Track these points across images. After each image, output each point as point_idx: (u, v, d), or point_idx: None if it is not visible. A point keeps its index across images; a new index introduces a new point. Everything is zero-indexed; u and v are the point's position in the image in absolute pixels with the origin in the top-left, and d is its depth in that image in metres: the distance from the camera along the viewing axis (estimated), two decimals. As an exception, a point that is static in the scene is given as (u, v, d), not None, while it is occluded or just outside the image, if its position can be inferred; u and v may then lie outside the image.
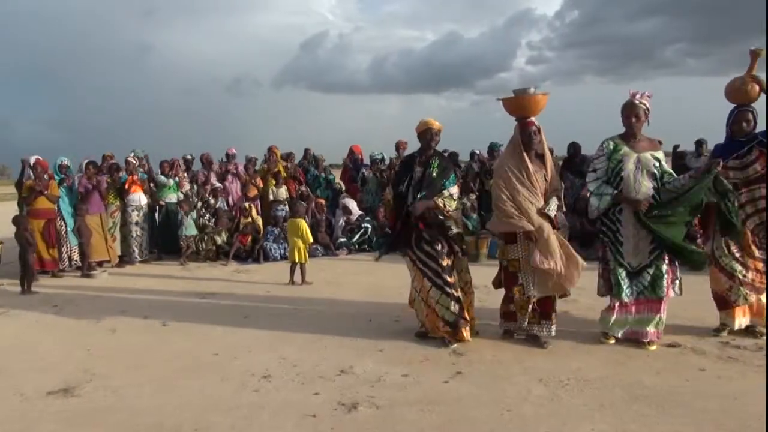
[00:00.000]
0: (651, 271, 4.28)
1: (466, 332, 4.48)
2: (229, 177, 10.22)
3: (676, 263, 4.36)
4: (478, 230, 8.72)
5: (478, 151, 10.36)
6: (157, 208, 9.46)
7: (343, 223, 9.71)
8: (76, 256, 8.28)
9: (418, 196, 4.53)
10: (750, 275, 4.37)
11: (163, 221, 9.45)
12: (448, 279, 4.50)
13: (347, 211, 9.71)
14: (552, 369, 3.91)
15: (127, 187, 8.82)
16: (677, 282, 4.35)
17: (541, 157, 4.45)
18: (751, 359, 3.98)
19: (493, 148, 9.92)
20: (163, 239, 9.44)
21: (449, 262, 4.55)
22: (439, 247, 4.52)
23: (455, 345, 4.45)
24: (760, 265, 4.38)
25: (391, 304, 5.75)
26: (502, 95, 4.52)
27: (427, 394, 3.58)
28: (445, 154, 5.63)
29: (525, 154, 4.37)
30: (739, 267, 4.37)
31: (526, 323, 4.49)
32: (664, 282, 4.27)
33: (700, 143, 8.99)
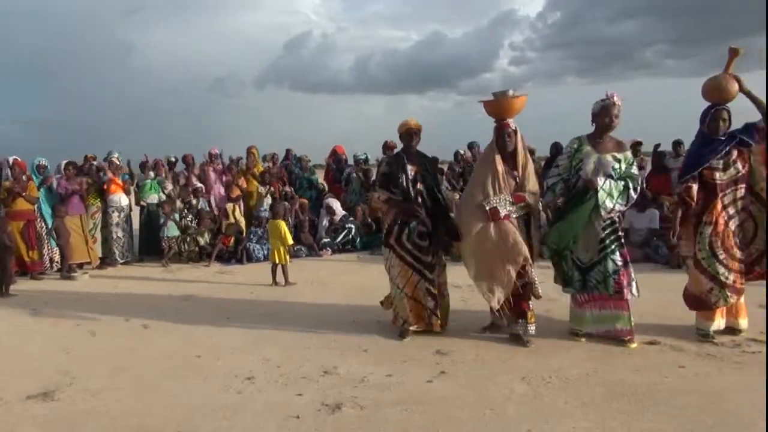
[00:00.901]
0: (601, 267, 4.37)
1: (435, 325, 4.73)
2: (213, 177, 10.13)
3: (630, 265, 4.43)
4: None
5: (462, 151, 10.42)
6: (139, 209, 9.37)
7: (327, 224, 9.69)
8: (57, 257, 8.17)
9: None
10: (731, 277, 4.35)
11: (145, 222, 9.36)
12: (430, 275, 4.72)
13: (331, 211, 9.69)
14: (534, 367, 3.95)
15: (106, 187, 8.72)
16: (633, 284, 4.41)
17: (514, 159, 4.52)
18: (729, 356, 4.05)
19: (471, 147, 10.14)
20: (145, 240, 9.35)
21: (433, 260, 4.74)
22: (427, 243, 4.70)
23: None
24: (738, 266, 4.38)
25: (374, 304, 5.73)
26: (484, 97, 4.62)
27: (411, 393, 3.59)
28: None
29: (497, 156, 4.47)
30: (722, 269, 4.33)
31: (509, 323, 4.53)
32: (613, 280, 4.34)
33: (677, 144, 9.10)
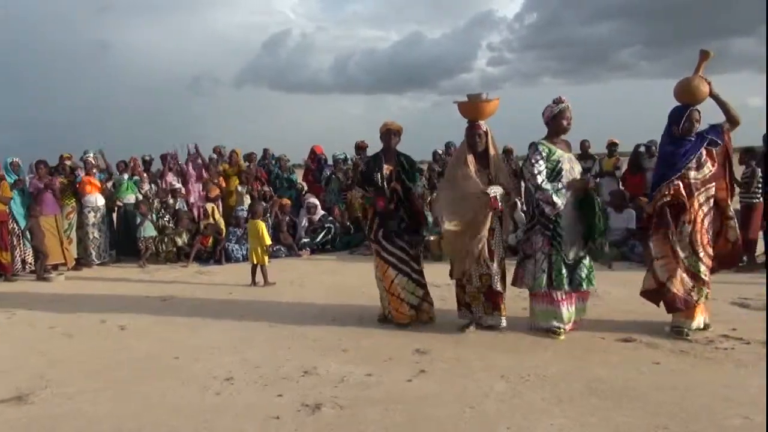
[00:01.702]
0: (586, 262, 4.61)
1: (430, 313, 5.02)
2: (193, 174, 9.99)
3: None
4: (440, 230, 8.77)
5: (440, 151, 10.47)
6: (116, 209, 9.25)
7: (306, 223, 9.67)
8: (30, 259, 8.03)
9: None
10: (708, 273, 4.47)
11: (122, 222, 9.24)
12: (416, 266, 5.01)
13: (312, 210, 9.65)
14: (513, 365, 3.98)
15: (80, 187, 8.59)
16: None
17: (486, 159, 4.70)
18: (702, 352, 4.13)
19: (448, 147, 10.20)
20: (123, 241, 9.23)
21: (417, 252, 5.05)
22: (406, 237, 4.97)
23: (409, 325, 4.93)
24: (710, 262, 4.49)
25: (354, 304, 5.75)
26: (461, 98, 4.77)
27: (391, 393, 3.60)
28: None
29: (469, 156, 4.67)
30: (703, 267, 4.42)
31: (482, 314, 4.77)
32: (593, 275, 4.64)
33: (649, 146, 9.21)
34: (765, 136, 7.16)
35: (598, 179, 9.34)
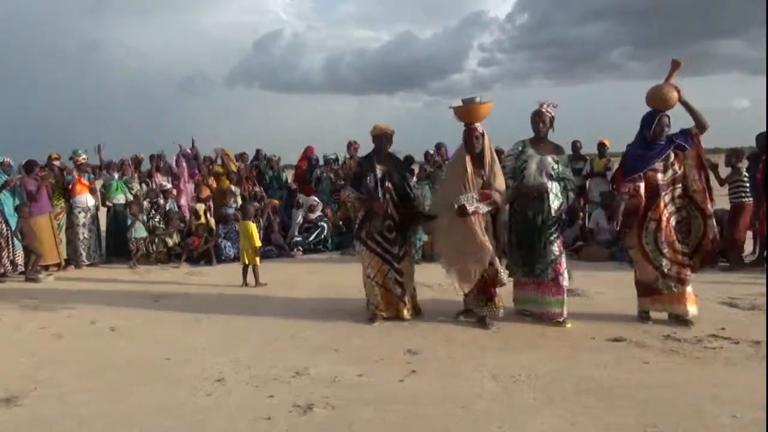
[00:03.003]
0: (545, 258, 4.87)
1: (403, 311, 5.16)
2: (184, 173, 9.93)
3: (564, 256, 4.94)
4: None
5: (432, 152, 10.47)
6: (106, 210, 9.19)
7: (301, 220, 9.63)
8: (20, 260, 7.95)
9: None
10: (674, 269, 4.73)
11: (112, 223, 9.17)
12: (397, 266, 5.16)
13: (312, 209, 9.62)
14: (504, 365, 4.00)
15: (70, 187, 8.54)
16: (566, 272, 4.92)
17: (482, 159, 4.84)
18: (691, 352, 4.16)
19: (438, 147, 10.21)
20: (112, 242, 9.16)
21: (400, 252, 5.19)
22: (393, 235, 5.14)
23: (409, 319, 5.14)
24: (681, 258, 4.74)
25: (345, 304, 5.75)
26: (454, 100, 4.99)
27: (382, 393, 3.61)
28: (401, 158, 6.08)
29: (467, 156, 4.82)
30: (665, 261, 4.73)
31: (478, 305, 4.94)
32: (551, 269, 4.86)
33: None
34: (758, 136, 7.22)
35: (588, 180, 9.40)
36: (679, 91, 4.64)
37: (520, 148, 4.98)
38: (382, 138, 5.25)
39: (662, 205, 4.72)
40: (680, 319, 4.75)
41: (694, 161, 4.74)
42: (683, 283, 4.73)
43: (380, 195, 5.11)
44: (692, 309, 4.76)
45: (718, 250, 5.46)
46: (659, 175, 4.70)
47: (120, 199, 9.17)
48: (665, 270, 4.73)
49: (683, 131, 4.75)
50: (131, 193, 9.34)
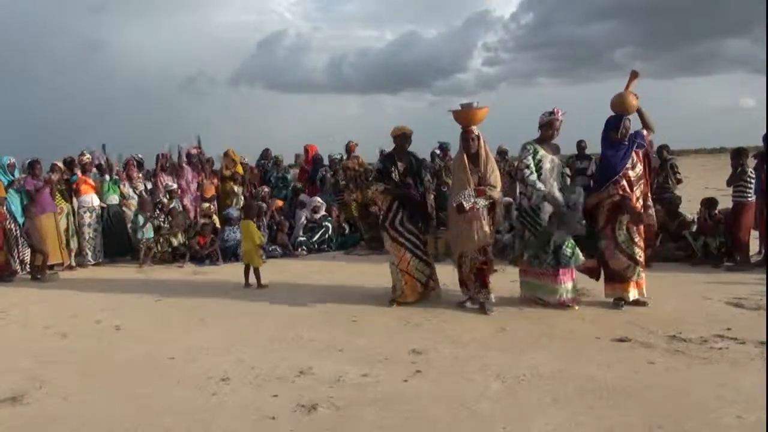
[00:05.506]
0: (570, 243, 5.27)
1: (436, 289, 5.75)
2: (189, 175, 9.95)
3: None
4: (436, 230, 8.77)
5: (438, 152, 10.47)
6: (101, 210, 9.15)
7: (305, 220, 9.64)
8: (28, 259, 7.99)
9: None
10: (643, 256, 5.32)
11: (107, 224, 9.10)
12: (424, 249, 5.73)
13: (317, 209, 9.63)
14: (508, 365, 3.99)
15: (76, 187, 8.57)
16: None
17: (478, 158, 5.31)
18: (697, 352, 4.14)
19: (442, 147, 10.26)
20: (108, 242, 9.09)
21: (424, 237, 5.79)
22: (418, 225, 5.70)
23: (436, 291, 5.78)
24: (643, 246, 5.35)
25: (349, 304, 5.75)
26: (458, 100, 5.49)
27: (387, 393, 3.61)
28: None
29: (464, 157, 5.32)
30: (638, 250, 5.24)
31: (475, 293, 5.39)
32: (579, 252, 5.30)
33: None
34: (765, 136, 7.18)
35: (593, 179, 9.35)
36: (636, 98, 5.25)
37: (533, 149, 5.35)
38: (403, 138, 5.78)
39: (635, 198, 5.22)
40: (639, 302, 5.27)
41: (642, 157, 5.41)
42: (644, 269, 5.32)
43: (403, 186, 5.62)
44: (644, 292, 5.33)
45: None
46: (631, 173, 5.24)
47: (112, 199, 9.13)
48: (638, 258, 5.22)
49: (638, 132, 5.34)
50: (135, 193, 9.36)
